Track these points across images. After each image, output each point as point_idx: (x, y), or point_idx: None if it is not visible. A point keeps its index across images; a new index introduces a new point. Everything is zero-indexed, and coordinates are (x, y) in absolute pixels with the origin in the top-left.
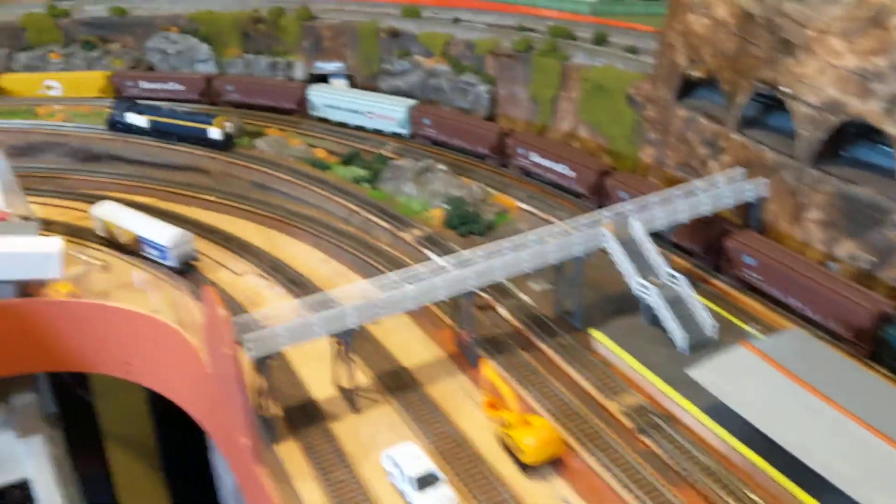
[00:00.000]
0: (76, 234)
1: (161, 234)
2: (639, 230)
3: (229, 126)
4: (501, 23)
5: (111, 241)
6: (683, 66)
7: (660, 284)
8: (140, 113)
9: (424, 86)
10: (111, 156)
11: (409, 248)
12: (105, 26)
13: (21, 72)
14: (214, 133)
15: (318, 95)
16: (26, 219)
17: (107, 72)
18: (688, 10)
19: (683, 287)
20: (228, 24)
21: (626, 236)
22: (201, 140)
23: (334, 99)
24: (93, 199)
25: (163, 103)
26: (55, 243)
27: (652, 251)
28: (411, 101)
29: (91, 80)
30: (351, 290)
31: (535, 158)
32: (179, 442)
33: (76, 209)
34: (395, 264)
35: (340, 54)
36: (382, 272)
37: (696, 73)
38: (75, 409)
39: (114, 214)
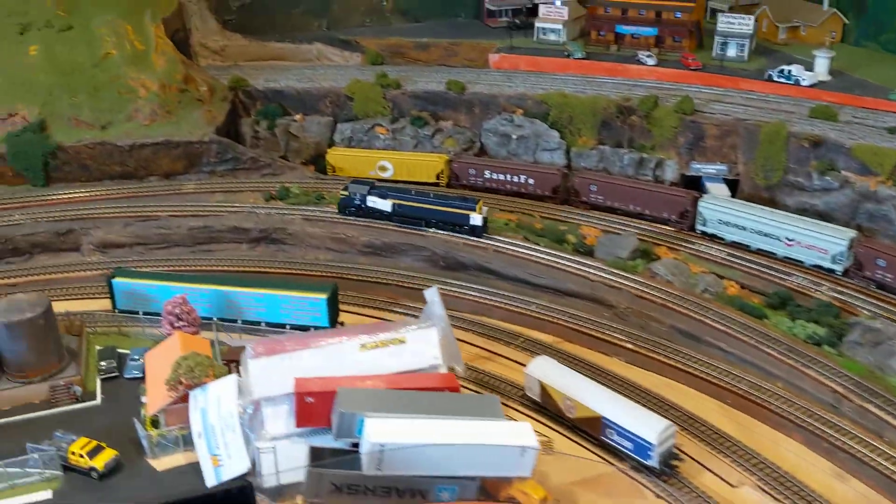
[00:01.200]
0: (477, 382)
1: (642, 423)
2: None
3: (486, 210)
4: None
5: (544, 407)
6: None
7: None
8: (382, 196)
9: (855, 210)
10: (480, 267)
11: None
12: (438, 102)
13: (342, 145)
14: (476, 219)
15: (711, 208)
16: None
17: (444, 155)
18: None
19: None
20: (584, 109)
21: None
22: (458, 226)
23: (735, 215)
24: (475, 326)
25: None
26: (527, 433)
27: None
28: (851, 233)
29: (428, 164)
30: None
31: None
32: None
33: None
34: None
35: (725, 156)
36: None
37: None
38: None
39: (562, 380)
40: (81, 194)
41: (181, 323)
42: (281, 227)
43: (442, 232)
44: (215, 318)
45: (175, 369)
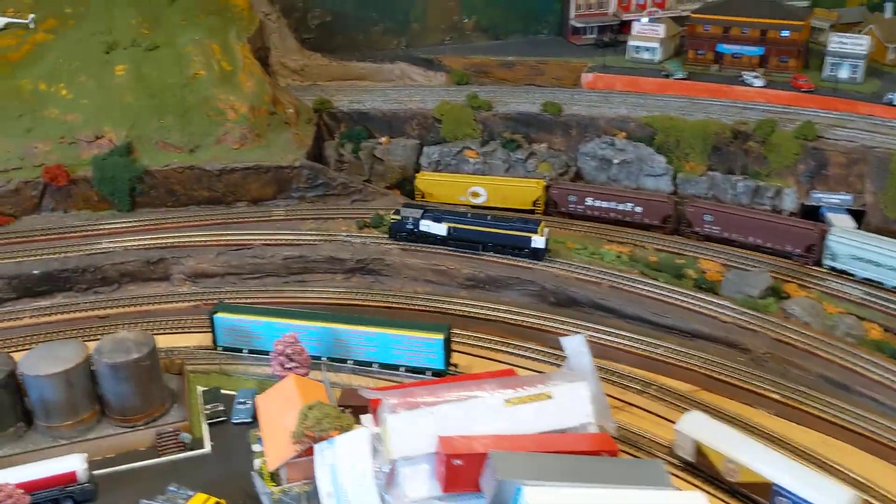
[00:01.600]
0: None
1: (823, 493)
2: None
3: (547, 232)
4: None
5: (695, 468)
6: None
7: None
8: (437, 219)
9: None
10: (594, 304)
11: None
12: (532, 123)
13: (429, 169)
14: (539, 242)
15: (843, 242)
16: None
17: (542, 181)
18: None
19: None
20: (694, 133)
21: None
22: (518, 250)
23: (870, 250)
24: (601, 372)
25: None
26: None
27: None
28: None
29: (525, 191)
30: None
31: None
32: None
33: None
34: None
35: (850, 186)
36: None
37: None
38: None
39: (721, 440)
40: (169, 221)
41: (292, 364)
42: (378, 257)
43: (553, 266)
44: (324, 358)
45: (301, 421)
